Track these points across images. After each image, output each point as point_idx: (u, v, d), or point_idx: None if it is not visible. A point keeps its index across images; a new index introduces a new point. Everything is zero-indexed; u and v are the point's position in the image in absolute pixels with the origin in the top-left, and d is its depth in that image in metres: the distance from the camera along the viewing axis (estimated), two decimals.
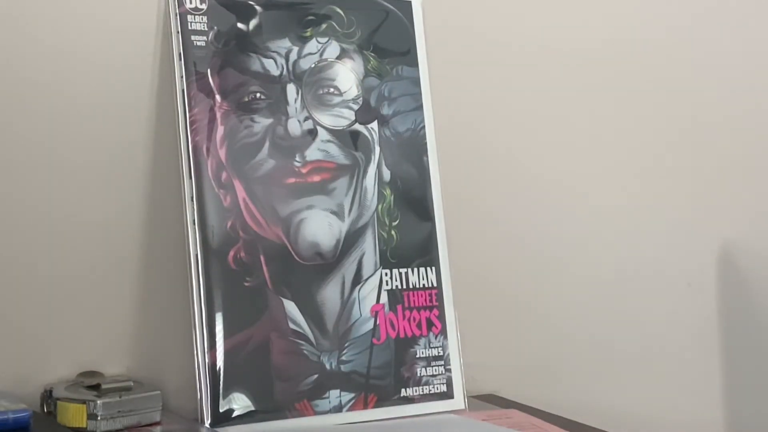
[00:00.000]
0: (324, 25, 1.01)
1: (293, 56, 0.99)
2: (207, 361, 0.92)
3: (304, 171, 0.98)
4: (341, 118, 1.00)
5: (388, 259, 1.00)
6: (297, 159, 0.98)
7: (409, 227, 1.02)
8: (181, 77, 0.95)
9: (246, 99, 0.97)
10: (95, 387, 0.89)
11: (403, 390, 0.99)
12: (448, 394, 1.01)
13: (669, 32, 1.24)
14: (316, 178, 0.98)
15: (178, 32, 0.96)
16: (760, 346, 1.28)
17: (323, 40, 1.01)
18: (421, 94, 1.04)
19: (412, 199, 1.03)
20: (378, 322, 0.99)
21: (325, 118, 1.00)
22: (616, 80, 1.21)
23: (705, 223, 1.26)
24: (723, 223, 1.27)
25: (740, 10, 1.29)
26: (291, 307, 0.95)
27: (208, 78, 0.96)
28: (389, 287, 1.00)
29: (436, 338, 1.01)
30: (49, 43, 0.95)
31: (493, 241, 1.14)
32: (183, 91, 0.95)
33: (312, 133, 0.99)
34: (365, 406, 0.97)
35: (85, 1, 0.97)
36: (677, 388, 1.23)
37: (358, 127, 1.01)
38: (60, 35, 0.96)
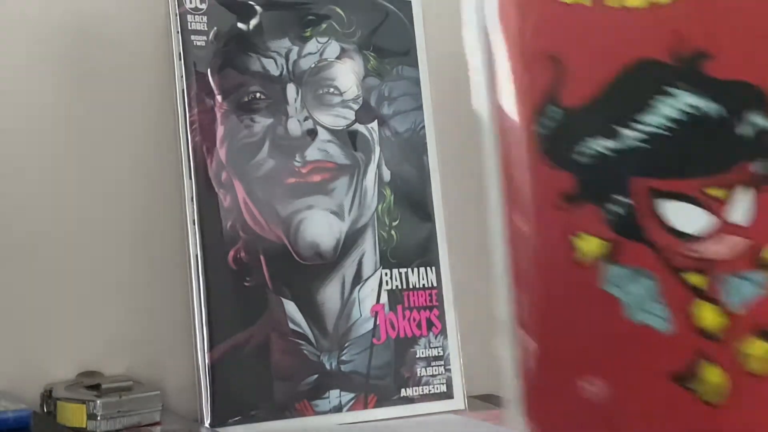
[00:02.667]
0: (324, 25, 1.01)
1: (293, 56, 0.99)
2: (207, 361, 0.92)
3: (304, 171, 0.98)
4: (341, 118, 1.00)
5: (388, 259, 1.00)
6: (297, 159, 0.98)
7: (409, 227, 1.02)
8: (181, 77, 0.95)
9: (246, 99, 0.97)
10: (95, 387, 0.89)
11: (403, 390, 0.99)
12: (448, 394, 1.01)
13: None
14: (316, 178, 0.98)
15: (178, 32, 0.96)
16: None
17: (323, 40, 1.01)
18: (421, 94, 1.04)
19: (412, 199, 1.02)
20: (378, 322, 0.99)
21: (325, 118, 1.00)
22: None
23: None
24: None
25: None
26: (291, 307, 0.95)
27: (208, 78, 0.96)
28: (389, 287, 1.00)
29: (436, 338, 1.01)
30: (48, 43, 0.95)
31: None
32: (183, 91, 0.95)
33: (312, 133, 0.99)
34: (365, 406, 0.97)
35: (85, 1, 0.96)
36: None
37: (358, 127, 1.01)
38: (60, 35, 0.96)
